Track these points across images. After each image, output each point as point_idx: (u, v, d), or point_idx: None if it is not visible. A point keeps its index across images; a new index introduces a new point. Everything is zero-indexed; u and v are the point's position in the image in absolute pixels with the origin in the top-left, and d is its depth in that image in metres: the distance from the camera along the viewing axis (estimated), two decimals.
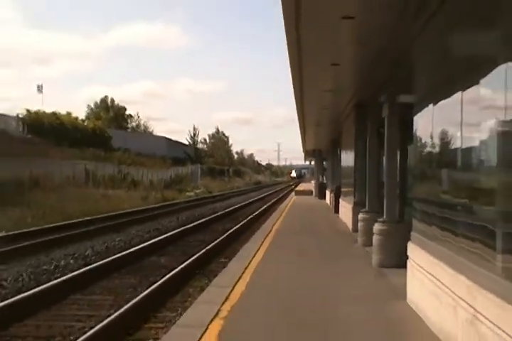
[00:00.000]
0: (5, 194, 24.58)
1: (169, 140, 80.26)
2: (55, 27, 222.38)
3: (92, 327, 7.09)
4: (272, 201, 39.47)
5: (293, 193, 47.27)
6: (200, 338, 5.57)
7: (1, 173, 26.37)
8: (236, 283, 8.34)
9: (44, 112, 49.22)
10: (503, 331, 3.93)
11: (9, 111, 45.59)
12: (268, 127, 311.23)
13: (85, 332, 6.85)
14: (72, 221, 21.32)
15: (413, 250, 7.22)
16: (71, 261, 13.06)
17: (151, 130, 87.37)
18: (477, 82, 4.82)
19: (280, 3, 7.06)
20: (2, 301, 8.48)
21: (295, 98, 16.35)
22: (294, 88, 14.28)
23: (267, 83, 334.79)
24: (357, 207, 15.01)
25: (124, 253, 13.49)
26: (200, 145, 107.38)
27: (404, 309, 7.00)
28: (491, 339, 4.17)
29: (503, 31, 4.25)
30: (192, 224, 21.05)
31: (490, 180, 4.57)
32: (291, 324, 6.30)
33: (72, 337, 6.91)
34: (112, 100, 79.06)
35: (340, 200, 22.00)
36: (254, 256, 11.10)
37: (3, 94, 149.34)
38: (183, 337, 5.70)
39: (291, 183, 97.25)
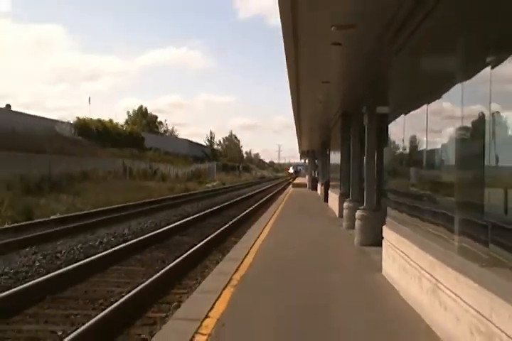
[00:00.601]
0: (59, 185, 24.74)
1: (191, 142, 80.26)
2: (100, 51, 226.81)
3: (128, 292, 7.16)
4: (274, 192, 39.45)
5: (291, 186, 47.26)
6: (216, 301, 5.61)
7: (57, 168, 26.51)
8: (245, 257, 8.38)
9: (91, 119, 49.34)
10: (459, 297, 3.96)
11: (63, 118, 45.69)
12: (270, 131, 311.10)
13: (123, 296, 6.92)
14: (113, 206, 21.42)
15: (387, 232, 7.25)
16: (112, 238, 13.13)
17: (176, 133, 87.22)
18: (439, 97, 4.84)
19: (282, 33, 7.10)
20: (58, 269, 8.59)
21: (293, 108, 16.35)
22: (292, 100, 14.27)
23: (270, 96, 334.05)
24: (342, 197, 15.01)
25: (154, 232, 13.53)
26: (215, 146, 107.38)
27: (379, 279, 7.02)
28: (450, 303, 4.20)
29: (456, 59, 4.27)
30: (209, 210, 21.03)
31: (449, 176, 4.58)
32: (287, 289, 6.33)
33: (112, 299, 6.95)
34: (146, 109, 79.07)
35: (329, 192, 21.97)
36: (259, 236, 11.13)
37: (59, 104, 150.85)
38: (202, 300, 5.73)
39: (289, 178, 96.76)
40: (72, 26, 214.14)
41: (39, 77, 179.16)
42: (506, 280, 3.16)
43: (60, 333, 5.63)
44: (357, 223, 10.28)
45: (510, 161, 3.36)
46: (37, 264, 9.61)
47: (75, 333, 5.28)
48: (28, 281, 7.73)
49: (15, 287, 7.33)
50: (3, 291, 7.02)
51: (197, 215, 18.68)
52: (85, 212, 18.84)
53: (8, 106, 40.69)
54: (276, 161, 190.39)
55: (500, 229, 3.34)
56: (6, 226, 14.32)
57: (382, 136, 9.75)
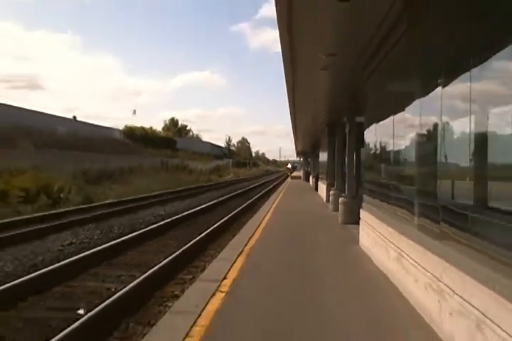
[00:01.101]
0: (112, 177, 24.91)
1: (212, 144, 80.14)
2: (143, 74, 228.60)
3: (165, 258, 7.24)
4: (276, 182, 39.52)
5: (289, 178, 47.20)
6: (231, 266, 5.66)
7: (112, 164, 26.72)
8: (253, 234, 8.38)
9: (136, 126, 49.57)
10: (417, 263, 3.99)
11: (115, 126, 46.10)
12: (273, 136, 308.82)
13: (160, 262, 6.97)
14: (153, 193, 21.52)
15: (363, 213, 7.25)
16: (151, 218, 13.22)
17: (201, 137, 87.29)
18: (403, 109, 4.83)
19: (282, 60, 7.10)
20: (113, 240, 8.69)
21: (291, 119, 16.35)
22: (290, 113, 14.29)
23: (272, 108, 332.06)
24: (329, 187, 14.98)
25: (184, 213, 13.60)
26: (232, 148, 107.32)
27: (358, 249, 7.04)
28: (411, 268, 4.22)
29: (415, 81, 4.26)
30: (227, 196, 21.05)
31: (410, 170, 4.58)
32: (284, 257, 6.35)
33: (152, 264, 6.96)
34: (177, 120, 79.20)
35: (319, 182, 21.94)
36: (265, 216, 11.16)
37: (114, 115, 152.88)
38: (221, 265, 5.77)
39: (288, 172, 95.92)
40: (122, 55, 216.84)
41: (98, 95, 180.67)
42: (452, 249, 3.18)
43: (113, 290, 5.72)
44: (340, 207, 10.28)
45: (456, 159, 3.39)
46: (95, 237, 9.73)
47: (124, 289, 5.37)
48: (90, 249, 7.86)
49: (80, 253, 7.45)
50: (72, 256, 7.15)
51: (218, 200, 18.65)
52: (131, 197, 18.95)
53: (74, 117, 40.94)
54: (278, 159, 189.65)
55: (448, 211, 3.36)
56: (73, 208, 14.49)
57: (359, 139, 9.71)
